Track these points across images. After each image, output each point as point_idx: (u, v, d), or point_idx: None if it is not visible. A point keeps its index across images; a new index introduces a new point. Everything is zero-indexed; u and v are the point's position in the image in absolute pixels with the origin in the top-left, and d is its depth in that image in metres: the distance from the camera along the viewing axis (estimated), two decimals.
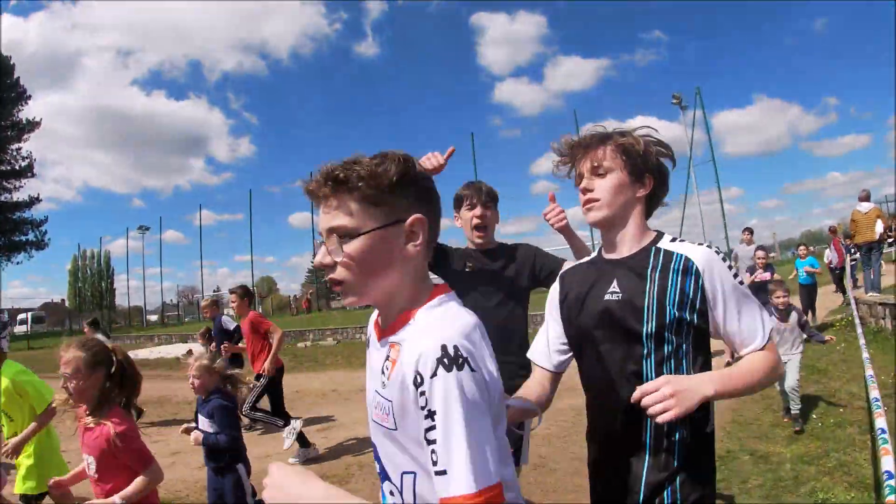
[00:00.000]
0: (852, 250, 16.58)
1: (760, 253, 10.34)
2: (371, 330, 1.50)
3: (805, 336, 6.60)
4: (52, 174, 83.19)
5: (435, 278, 1.90)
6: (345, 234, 1.28)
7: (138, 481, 2.80)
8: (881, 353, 8.52)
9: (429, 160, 2.80)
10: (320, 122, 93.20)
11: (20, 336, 41.13)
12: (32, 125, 48.99)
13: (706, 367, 1.82)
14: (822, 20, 72.64)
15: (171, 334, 32.58)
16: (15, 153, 48.84)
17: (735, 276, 1.79)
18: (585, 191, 1.93)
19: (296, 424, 7.01)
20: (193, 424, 4.53)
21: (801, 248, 14.22)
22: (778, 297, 6.47)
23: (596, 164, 1.90)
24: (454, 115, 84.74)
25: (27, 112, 48.83)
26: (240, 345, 8.47)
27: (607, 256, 1.98)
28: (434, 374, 1.12)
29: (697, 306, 1.76)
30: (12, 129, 48.19)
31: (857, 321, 7.74)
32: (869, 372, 4.87)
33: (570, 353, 2.07)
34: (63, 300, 60.84)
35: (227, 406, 4.41)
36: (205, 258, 52.89)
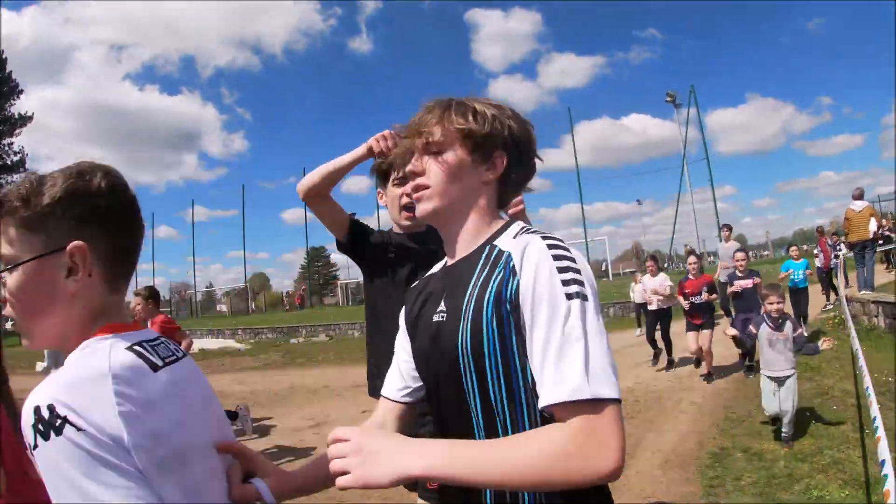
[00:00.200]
0: (839, 250, 16.64)
1: (740, 255, 9.25)
2: None
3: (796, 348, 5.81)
4: (45, 169, 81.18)
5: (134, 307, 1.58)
6: (7, 264, 1.12)
7: None
8: (875, 351, 8.53)
9: (377, 142, 2.45)
10: (314, 118, 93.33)
11: (12, 333, 40.96)
12: (25, 120, 48.63)
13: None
14: (816, 20, 73.03)
15: None
16: (7, 148, 48.48)
17: (570, 283, 1.18)
18: (413, 174, 1.46)
19: None
20: None
21: (794, 248, 12.59)
22: (772, 304, 5.90)
23: (428, 140, 1.43)
24: None
25: (19, 106, 48.46)
26: None
27: (448, 262, 1.52)
28: (34, 446, 0.94)
29: (512, 320, 1.24)
30: (4, 123, 47.86)
31: (847, 317, 7.73)
32: (861, 362, 4.86)
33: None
34: None
35: None
36: (197, 254, 52.83)
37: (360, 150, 2.56)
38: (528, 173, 1.56)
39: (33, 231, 1.11)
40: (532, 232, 1.35)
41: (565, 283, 1.18)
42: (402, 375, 1.59)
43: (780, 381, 5.74)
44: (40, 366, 8.90)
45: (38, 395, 0.96)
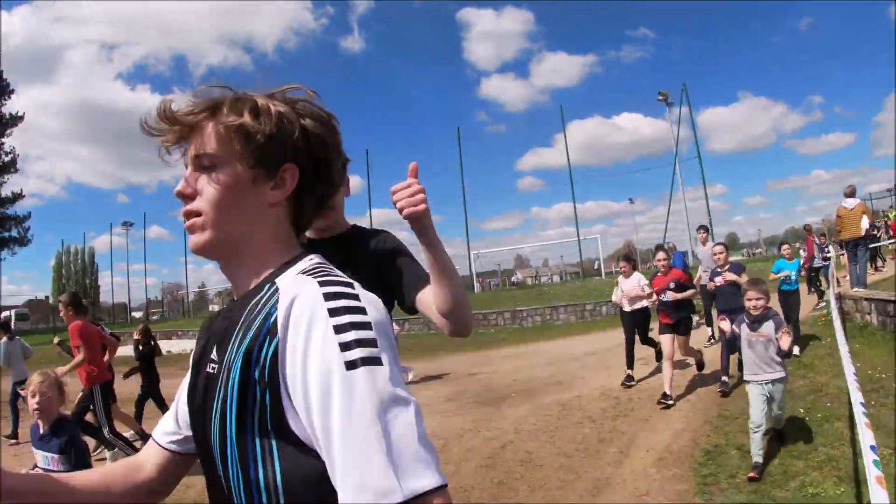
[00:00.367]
0: (825, 249, 16.69)
1: (718, 248, 8.28)
2: None
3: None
4: (36, 169, 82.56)
5: None
6: None
7: None
8: (867, 348, 8.55)
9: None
10: None
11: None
12: (16, 120, 48.36)
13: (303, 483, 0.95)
14: (808, 19, 73.15)
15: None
16: None
17: (351, 346, 0.89)
18: (182, 197, 1.14)
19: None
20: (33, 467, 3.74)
21: (785, 246, 10.94)
22: (751, 300, 5.27)
23: (199, 153, 1.12)
24: (440, 110, 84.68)
25: (10, 106, 48.18)
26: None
27: (234, 297, 1.19)
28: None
29: (259, 393, 0.95)
30: None
31: (835, 316, 7.72)
32: (844, 349, 4.90)
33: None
34: (47, 297, 60.38)
35: (79, 438, 3.77)
36: (189, 254, 52.33)
37: None
38: (334, 184, 1.22)
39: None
40: (311, 272, 1.04)
41: (345, 346, 0.89)
42: (176, 419, 1.28)
43: (763, 384, 5.16)
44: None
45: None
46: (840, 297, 11.34)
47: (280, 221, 1.16)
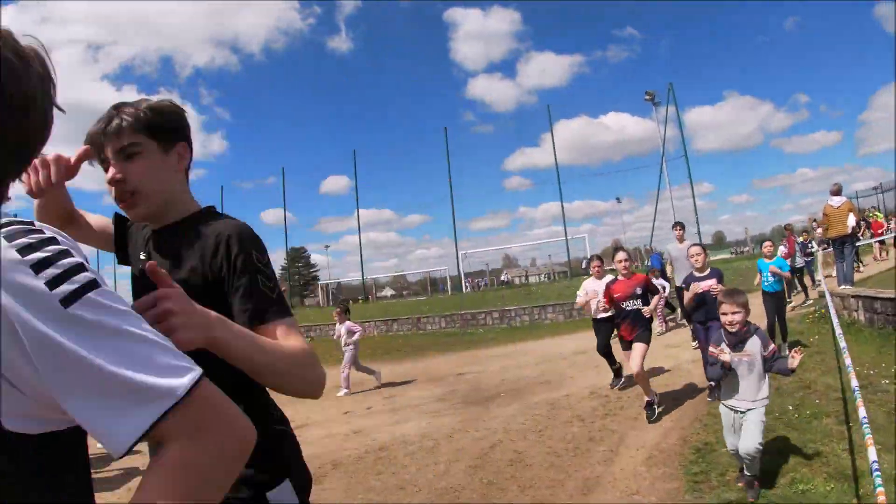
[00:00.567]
0: (808, 247, 16.78)
1: (695, 250, 7.30)
2: None
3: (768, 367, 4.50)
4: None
5: None
6: None
7: None
8: (855, 345, 8.56)
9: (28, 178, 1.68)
10: (293, 118, 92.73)
11: None
12: None
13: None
14: (793, 19, 73.68)
15: None
16: None
17: (58, 281, 0.83)
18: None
19: None
20: None
21: (767, 244, 10.28)
22: (726, 315, 4.50)
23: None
24: (427, 110, 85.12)
25: None
26: None
27: None
28: None
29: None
30: None
31: (832, 312, 7.70)
32: (847, 361, 4.85)
33: None
34: None
35: None
36: None
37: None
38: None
39: None
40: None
41: (52, 282, 0.83)
42: None
43: (741, 413, 4.50)
44: None
45: None
46: (823, 295, 11.38)
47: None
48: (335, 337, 11.54)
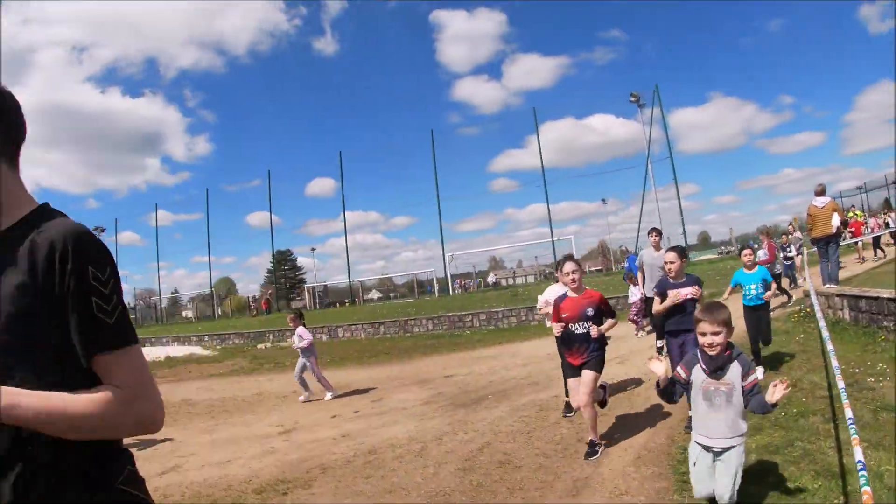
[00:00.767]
0: (786, 248, 16.87)
1: (670, 256, 6.45)
2: None
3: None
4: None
5: None
6: None
7: None
8: (840, 344, 8.61)
9: None
10: (279, 120, 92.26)
11: None
12: None
13: None
14: (777, 20, 74.18)
15: None
16: None
17: None
18: None
19: None
20: None
21: (746, 252, 8.59)
22: (705, 335, 3.75)
23: None
24: (413, 111, 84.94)
25: None
26: None
27: None
28: None
29: None
30: None
31: (818, 313, 7.71)
32: (834, 363, 4.86)
33: None
34: None
35: None
36: (162, 259, 51.95)
37: None
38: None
39: None
40: None
41: None
42: None
43: (716, 453, 3.80)
44: None
45: None
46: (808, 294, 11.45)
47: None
48: (294, 346, 11.41)
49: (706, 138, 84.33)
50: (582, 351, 6.00)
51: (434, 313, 22.26)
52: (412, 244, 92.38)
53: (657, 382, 3.97)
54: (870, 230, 23.00)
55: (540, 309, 8.37)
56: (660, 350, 9.69)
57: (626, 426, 6.73)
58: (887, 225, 25.72)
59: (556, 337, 6.50)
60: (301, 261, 72.80)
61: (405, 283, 59.87)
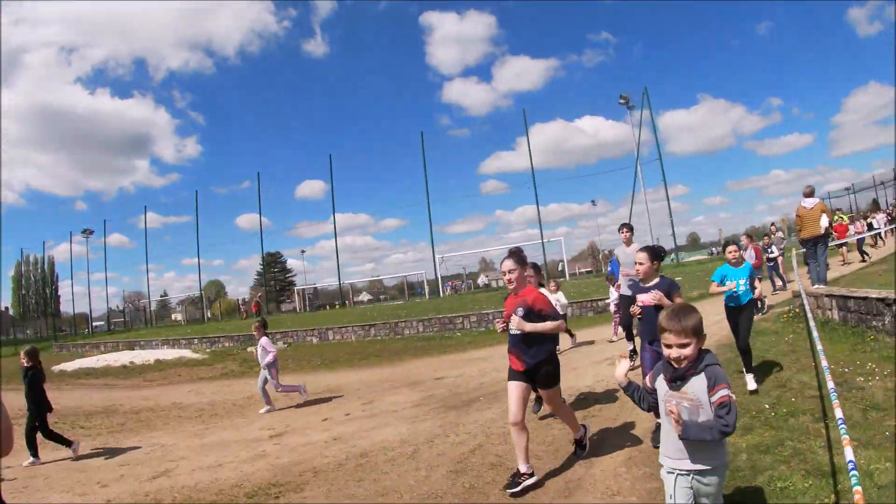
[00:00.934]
0: (768, 250, 16.97)
1: (640, 256, 5.92)
2: None
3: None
4: None
5: None
6: None
7: None
8: (829, 344, 8.67)
9: None
10: (268, 122, 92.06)
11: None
12: None
13: None
14: (766, 23, 74.57)
15: (118, 341, 31.86)
16: None
17: None
18: None
19: None
20: None
21: (731, 249, 7.99)
22: (670, 346, 3.12)
23: None
24: (403, 114, 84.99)
25: None
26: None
27: None
28: None
29: None
30: None
31: (808, 313, 7.75)
32: (824, 363, 4.89)
33: None
34: (7, 308, 59.10)
35: None
36: (151, 262, 51.76)
37: None
38: None
39: None
40: None
41: None
42: None
43: (682, 476, 3.17)
44: None
45: None
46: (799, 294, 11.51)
47: None
48: (260, 362, 11.33)
49: (695, 140, 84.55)
50: (518, 354, 5.50)
51: (424, 315, 22.26)
52: (402, 246, 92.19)
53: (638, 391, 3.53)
54: (854, 233, 23.13)
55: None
56: (633, 353, 9.65)
57: (617, 427, 6.73)
58: (870, 227, 25.91)
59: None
60: (291, 263, 72.88)
61: (395, 286, 59.90)
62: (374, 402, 10.18)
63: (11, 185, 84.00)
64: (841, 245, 21.80)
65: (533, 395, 6.72)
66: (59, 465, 8.08)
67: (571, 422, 5.88)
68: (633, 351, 9.73)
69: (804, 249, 13.49)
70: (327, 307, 48.84)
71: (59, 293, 57.37)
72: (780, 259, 17.59)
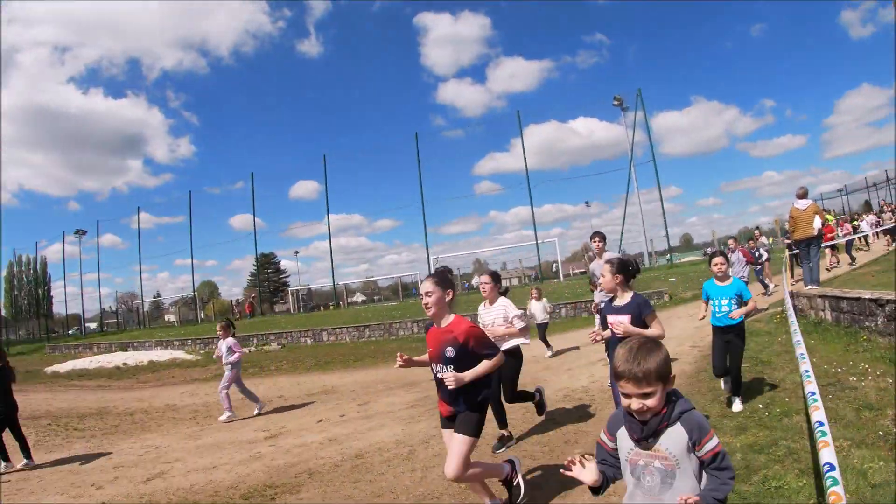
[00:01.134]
0: (755, 252, 17.03)
1: (604, 268, 5.31)
2: None
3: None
4: None
5: None
6: None
7: None
8: (822, 344, 8.73)
9: None
10: (262, 122, 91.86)
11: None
12: None
13: None
14: (759, 25, 74.81)
15: (111, 342, 31.76)
16: None
17: None
18: None
19: None
20: None
21: (717, 261, 6.80)
22: (629, 397, 2.38)
23: None
24: (397, 114, 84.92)
25: None
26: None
27: None
28: None
29: None
30: None
31: (791, 315, 7.75)
32: (804, 367, 4.91)
33: None
34: None
35: None
36: (144, 263, 51.64)
37: None
38: None
39: None
40: None
41: None
42: None
43: None
44: None
45: None
46: (794, 295, 11.57)
47: None
48: (214, 356, 11.30)
49: (689, 141, 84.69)
50: (448, 401, 4.49)
51: (419, 316, 22.24)
52: (396, 247, 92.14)
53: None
54: (841, 235, 23.20)
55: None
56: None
57: None
58: (856, 229, 25.98)
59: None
60: (284, 264, 72.61)
61: (389, 286, 59.73)
62: (370, 403, 10.18)
63: (4, 185, 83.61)
64: (828, 247, 21.88)
65: (497, 433, 6.65)
66: (53, 468, 8.05)
67: (486, 475, 4.83)
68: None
69: (797, 250, 13.55)
70: (321, 308, 48.76)
71: (51, 294, 57.20)
72: (766, 263, 17.66)
